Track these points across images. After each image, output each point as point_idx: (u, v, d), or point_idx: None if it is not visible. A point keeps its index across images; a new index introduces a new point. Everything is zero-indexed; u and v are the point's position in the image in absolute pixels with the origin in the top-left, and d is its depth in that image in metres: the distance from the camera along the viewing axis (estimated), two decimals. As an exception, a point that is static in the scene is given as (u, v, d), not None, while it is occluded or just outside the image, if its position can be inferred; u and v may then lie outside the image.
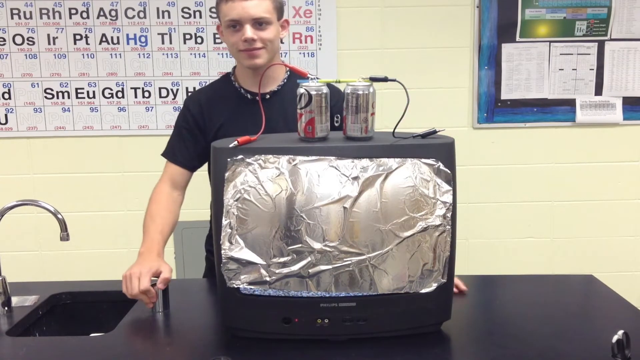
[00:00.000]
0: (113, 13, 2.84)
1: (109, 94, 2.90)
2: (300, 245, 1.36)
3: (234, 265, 1.38)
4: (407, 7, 2.89)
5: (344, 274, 1.37)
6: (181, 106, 1.97)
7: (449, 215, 1.39)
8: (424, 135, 1.45)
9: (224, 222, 1.37)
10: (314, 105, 1.42)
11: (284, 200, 1.36)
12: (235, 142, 1.40)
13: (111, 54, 2.87)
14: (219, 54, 2.88)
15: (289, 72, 1.87)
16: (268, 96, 1.85)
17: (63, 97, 2.89)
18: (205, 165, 1.90)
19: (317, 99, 1.42)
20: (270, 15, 1.74)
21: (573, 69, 2.94)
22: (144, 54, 2.87)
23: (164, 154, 1.89)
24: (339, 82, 1.54)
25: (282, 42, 1.88)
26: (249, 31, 1.71)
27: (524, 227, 3.06)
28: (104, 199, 2.97)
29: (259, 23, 1.72)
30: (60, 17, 2.83)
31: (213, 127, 1.84)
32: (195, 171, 1.90)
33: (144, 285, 1.56)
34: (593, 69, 2.95)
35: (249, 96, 1.83)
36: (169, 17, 2.85)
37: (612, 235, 3.08)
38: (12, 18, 2.82)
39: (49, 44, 2.85)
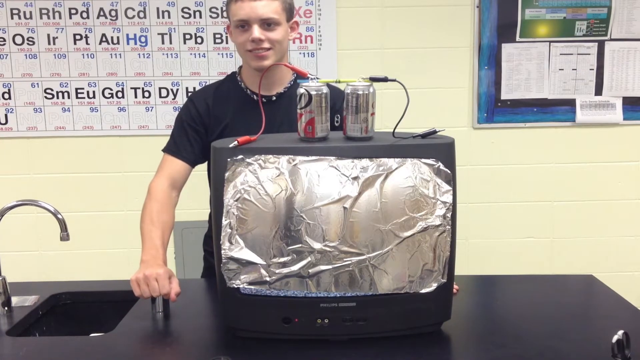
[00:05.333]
0: (113, 13, 2.84)
1: (109, 94, 2.90)
2: (300, 245, 1.36)
3: (234, 265, 1.38)
4: (407, 7, 2.89)
5: (344, 274, 1.37)
6: (181, 106, 1.95)
7: (449, 215, 1.39)
8: (424, 135, 1.45)
9: (224, 222, 1.37)
10: (314, 105, 1.42)
11: (284, 200, 1.36)
12: (235, 142, 1.40)
13: (111, 54, 2.87)
14: (219, 54, 2.88)
15: (295, 75, 1.86)
16: (274, 98, 1.84)
17: (63, 97, 2.89)
18: (204, 165, 1.90)
19: (317, 99, 1.42)
20: (278, 16, 1.73)
21: (573, 69, 2.94)
22: (144, 54, 2.87)
23: (166, 149, 1.86)
24: (339, 82, 1.54)
25: (293, 43, 1.87)
26: (256, 31, 1.70)
27: (524, 227, 3.06)
28: (104, 199, 2.97)
29: (268, 24, 1.72)
30: (60, 17, 2.83)
31: (218, 126, 1.84)
32: (194, 168, 1.89)
33: (166, 289, 1.54)
34: (593, 69, 2.95)
35: (255, 97, 1.83)
36: (169, 17, 2.85)
37: (612, 235, 3.08)
38: (12, 18, 2.82)
39: (49, 44, 2.85)
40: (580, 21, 2.90)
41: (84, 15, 2.83)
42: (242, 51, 1.77)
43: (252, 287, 1.39)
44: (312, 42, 2.89)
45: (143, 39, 2.86)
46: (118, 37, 2.85)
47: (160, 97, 2.91)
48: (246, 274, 1.38)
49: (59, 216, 1.72)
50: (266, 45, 1.73)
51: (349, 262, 1.37)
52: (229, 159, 1.38)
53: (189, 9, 2.85)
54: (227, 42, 2.87)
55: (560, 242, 3.08)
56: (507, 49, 2.92)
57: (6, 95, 2.88)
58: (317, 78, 1.45)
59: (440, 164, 1.39)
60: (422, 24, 2.91)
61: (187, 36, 2.87)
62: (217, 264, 1.40)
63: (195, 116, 1.85)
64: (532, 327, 1.52)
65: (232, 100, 1.85)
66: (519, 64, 2.93)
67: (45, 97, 2.89)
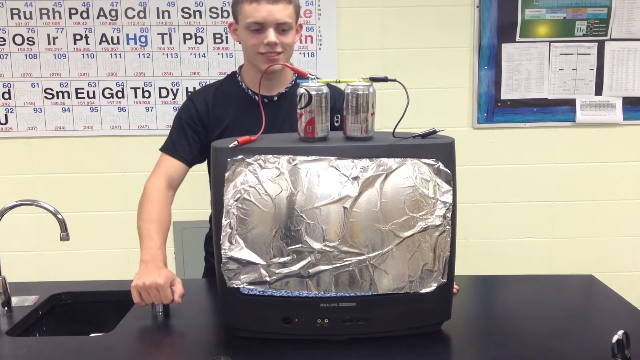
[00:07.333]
0: (113, 13, 2.84)
1: (109, 94, 2.90)
2: (300, 245, 1.36)
3: (234, 265, 1.38)
4: (407, 7, 2.89)
5: (344, 274, 1.37)
6: (180, 106, 1.95)
7: (449, 215, 1.39)
8: (424, 135, 1.45)
9: (224, 222, 1.37)
10: (314, 105, 1.42)
11: (284, 200, 1.36)
12: (235, 142, 1.40)
13: (111, 54, 2.87)
14: (219, 54, 2.88)
15: (296, 75, 1.86)
16: (276, 98, 1.84)
17: (63, 97, 2.89)
18: (205, 165, 1.90)
19: (317, 99, 1.42)
20: (292, 20, 1.74)
21: (573, 69, 2.94)
22: (144, 54, 2.87)
23: (163, 149, 1.85)
24: (339, 82, 1.54)
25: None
26: (272, 35, 1.70)
27: (524, 227, 3.06)
28: (104, 199, 2.97)
29: (282, 29, 1.72)
30: (60, 17, 2.83)
31: (218, 126, 1.83)
32: (191, 168, 1.88)
33: (168, 300, 1.54)
34: (593, 69, 2.95)
35: (256, 98, 1.83)
36: (169, 17, 2.85)
37: (612, 235, 3.08)
38: (12, 18, 2.82)
39: (49, 44, 2.85)
40: (580, 21, 2.90)
41: (84, 15, 2.83)
42: (253, 53, 1.76)
43: (252, 287, 1.39)
44: (312, 42, 2.89)
45: (143, 39, 2.86)
46: (118, 37, 2.85)
47: (160, 97, 2.91)
48: (246, 274, 1.38)
49: (59, 216, 1.72)
50: (279, 49, 1.73)
51: (349, 262, 1.37)
52: (229, 159, 1.38)
53: (189, 9, 2.85)
54: (227, 42, 2.87)
55: (560, 242, 3.08)
56: (507, 49, 2.92)
57: (6, 95, 2.88)
58: (317, 78, 1.45)
59: (440, 164, 1.39)
60: (422, 24, 2.91)
61: (187, 36, 2.87)
62: (217, 264, 1.40)
63: (195, 116, 1.84)
64: (532, 327, 1.52)
65: (233, 101, 1.85)
66: (519, 64, 2.93)
67: (45, 97, 2.89)
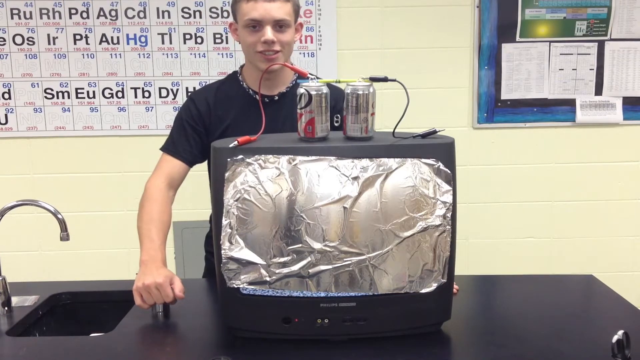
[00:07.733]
0: (113, 13, 2.84)
1: (109, 94, 2.90)
2: (300, 245, 1.36)
3: (234, 265, 1.38)
4: (407, 7, 2.89)
5: (344, 274, 1.37)
6: (180, 106, 1.95)
7: (449, 215, 1.39)
8: (424, 135, 1.45)
9: (224, 222, 1.38)
10: (314, 105, 1.42)
11: (284, 200, 1.36)
12: (235, 142, 1.40)
13: (111, 54, 2.87)
14: (219, 54, 2.88)
15: (297, 75, 1.86)
16: (276, 98, 1.84)
17: (63, 97, 2.89)
18: (205, 165, 1.89)
19: (317, 99, 1.42)
20: (290, 18, 1.73)
21: (573, 69, 2.94)
22: (144, 54, 2.87)
23: (164, 148, 1.85)
24: (339, 82, 1.54)
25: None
26: (269, 33, 1.70)
27: (524, 227, 3.06)
28: (104, 199, 2.97)
29: (280, 25, 1.72)
30: (60, 17, 2.83)
31: (219, 126, 1.83)
32: (192, 167, 1.88)
33: (169, 298, 1.54)
34: (593, 69, 2.95)
35: (257, 97, 1.83)
36: (169, 17, 2.85)
37: (612, 235, 3.08)
38: (12, 18, 2.82)
39: (49, 44, 2.85)
40: (580, 21, 2.90)
41: (84, 15, 2.83)
42: (251, 52, 1.76)
43: (252, 287, 1.39)
44: (312, 42, 2.89)
45: (143, 39, 2.86)
46: (118, 37, 2.85)
47: (160, 97, 2.91)
48: (246, 274, 1.38)
49: (59, 216, 1.72)
50: (277, 47, 1.73)
51: (349, 262, 1.37)
52: (229, 159, 1.38)
53: (189, 9, 2.85)
54: (227, 42, 2.87)
55: (560, 242, 3.08)
56: (507, 49, 2.92)
57: (6, 95, 2.88)
58: (317, 78, 1.45)
59: (440, 164, 1.39)
60: (422, 24, 2.91)
61: (187, 36, 2.87)
62: (217, 264, 1.40)
63: (196, 115, 1.84)
64: (532, 327, 1.52)
65: (234, 101, 1.85)
66: (519, 64, 2.93)
67: (45, 97, 2.89)
